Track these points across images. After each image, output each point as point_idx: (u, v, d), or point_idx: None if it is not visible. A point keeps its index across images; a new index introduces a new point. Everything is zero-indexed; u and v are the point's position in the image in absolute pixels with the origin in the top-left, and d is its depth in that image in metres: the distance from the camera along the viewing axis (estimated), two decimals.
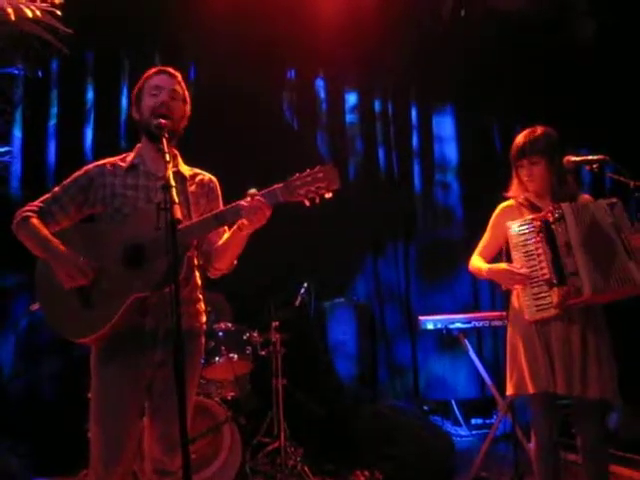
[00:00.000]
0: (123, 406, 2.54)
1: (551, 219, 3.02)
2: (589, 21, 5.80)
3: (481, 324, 4.56)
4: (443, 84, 6.68)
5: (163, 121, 2.50)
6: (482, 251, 3.37)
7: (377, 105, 6.82)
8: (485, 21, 5.95)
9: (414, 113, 6.93)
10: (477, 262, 3.33)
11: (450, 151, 6.99)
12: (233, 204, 2.44)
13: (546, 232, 3.02)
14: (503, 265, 3.16)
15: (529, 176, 3.19)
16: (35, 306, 2.78)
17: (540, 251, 3.04)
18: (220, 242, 2.66)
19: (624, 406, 5.02)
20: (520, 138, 3.24)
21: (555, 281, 2.99)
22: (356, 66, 6.54)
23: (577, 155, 3.18)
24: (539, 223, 3.06)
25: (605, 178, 5.66)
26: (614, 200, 3.09)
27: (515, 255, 3.12)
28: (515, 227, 3.12)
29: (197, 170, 2.83)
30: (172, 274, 2.09)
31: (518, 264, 3.10)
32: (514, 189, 3.31)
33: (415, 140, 6.91)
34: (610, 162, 3.14)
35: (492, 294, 6.58)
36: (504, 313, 3.74)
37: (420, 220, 6.82)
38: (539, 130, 3.21)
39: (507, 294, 3.32)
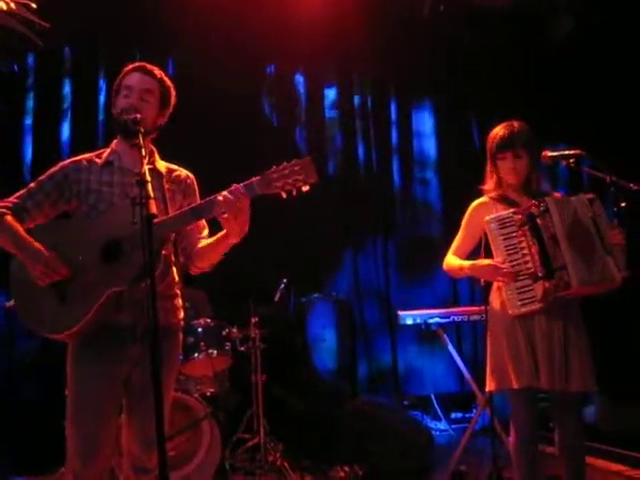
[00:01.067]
0: (100, 402, 2.53)
1: (536, 212, 3.01)
2: (567, 17, 5.83)
3: (460, 319, 4.58)
4: (422, 80, 6.70)
5: (139, 115, 2.48)
6: (457, 249, 3.32)
7: (357, 101, 6.82)
8: (465, 17, 5.98)
9: (393, 109, 6.93)
10: (454, 260, 3.28)
11: (429, 147, 7.00)
12: (210, 197, 2.44)
13: (531, 226, 3.01)
14: (487, 261, 3.13)
15: (512, 170, 3.16)
16: (9, 303, 2.76)
17: (524, 244, 3.03)
18: (204, 243, 2.65)
19: (602, 399, 5.08)
20: (500, 130, 3.22)
21: (541, 274, 2.99)
22: (336, 62, 6.54)
23: (554, 150, 3.20)
24: (521, 217, 3.04)
25: (582, 173, 5.70)
26: (592, 196, 3.10)
27: (496, 249, 3.09)
28: (495, 221, 3.09)
29: (173, 166, 2.81)
30: (148, 269, 2.07)
31: (499, 258, 3.07)
32: (490, 183, 3.27)
33: (394, 136, 6.91)
34: (587, 157, 3.16)
35: (471, 289, 6.59)
36: (483, 308, 3.73)
37: (399, 216, 6.83)
38: (517, 124, 3.20)
39: (486, 289, 3.32)
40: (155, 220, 2.18)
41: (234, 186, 2.38)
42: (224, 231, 2.49)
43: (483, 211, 3.21)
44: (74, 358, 2.57)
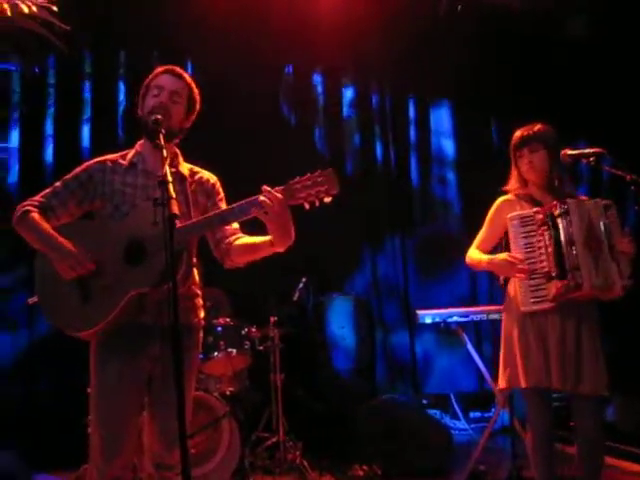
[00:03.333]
0: (123, 401, 2.55)
1: (556, 213, 3.04)
2: (583, 16, 5.80)
3: (479, 318, 4.57)
4: (441, 79, 6.67)
5: (159, 116, 2.50)
6: (480, 244, 3.37)
7: (375, 100, 6.81)
8: (482, 16, 5.95)
9: (412, 108, 6.93)
10: (475, 254, 3.33)
11: (448, 146, 6.98)
12: (240, 202, 2.43)
13: (550, 225, 3.04)
14: (503, 255, 3.17)
15: (529, 164, 3.20)
16: (33, 299, 2.79)
17: (541, 244, 3.07)
18: (245, 241, 2.65)
19: (621, 399, 5.05)
20: (519, 131, 3.28)
21: (555, 274, 3.01)
22: (354, 61, 6.53)
23: (574, 149, 3.20)
24: (542, 216, 3.08)
25: (602, 172, 5.66)
26: (609, 202, 3.12)
27: (515, 247, 3.13)
28: (517, 219, 3.13)
29: (196, 168, 2.83)
30: (170, 270, 2.09)
31: (517, 255, 3.11)
32: (513, 183, 3.32)
33: (413, 134, 6.90)
34: (607, 155, 3.16)
35: (490, 288, 6.57)
36: (502, 307, 3.76)
37: (418, 214, 6.82)
38: (538, 125, 3.25)
39: (506, 288, 3.34)
40: (181, 224, 2.22)
41: (264, 187, 2.37)
42: (270, 238, 2.49)
43: (507, 208, 3.25)
44: (97, 357, 2.60)
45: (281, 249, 2.51)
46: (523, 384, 3.05)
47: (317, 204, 2.31)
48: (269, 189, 2.34)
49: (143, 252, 2.46)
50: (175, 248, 2.13)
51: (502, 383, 3.19)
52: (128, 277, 2.46)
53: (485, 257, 3.27)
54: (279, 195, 2.32)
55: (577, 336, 3.04)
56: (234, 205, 2.46)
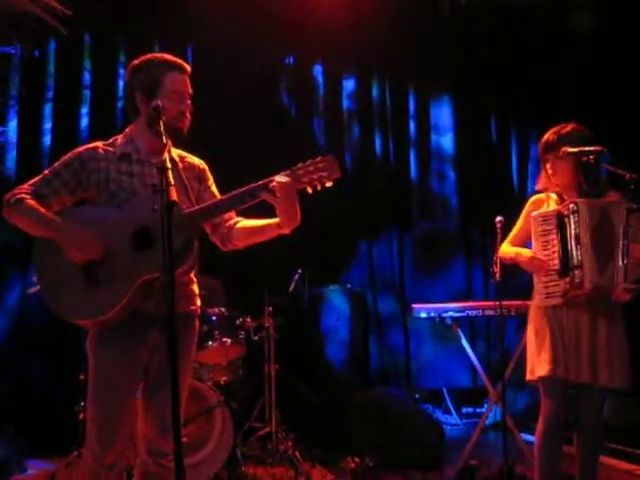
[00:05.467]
0: (120, 387, 2.55)
1: (565, 212, 3.14)
2: (588, 13, 5.78)
3: (474, 313, 4.57)
4: (441, 73, 6.67)
5: (159, 102, 2.47)
6: (512, 239, 3.49)
7: (375, 92, 6.80)
8: (485, 11, 5.94)
9: (412, 102, 6.92)
10: (507, 247, 3.47)
11: (447, 141, 6.98)
12: (249, 186, 2.49)
13: (558, 224, 3.15)
14: (529, 252, 3.29)
15: (553, 169, 3.27)
16: (34, 289, 2.76)
17: (555, 242, 3.17)
18: (247, 224, 2.70)
19: (612, 397, 5.06)
20: (549, 133, 3.31)
21: (561, 272, 3.14)
22: (354, 53, 6.51)
23: (573, 146, 3.20)
24: (553, 215, 3.19)
25: (601, 170, 5.66)
26: (634, 207, 3.14)
27: (535, 243, 3.27)
28: (538, 217, 3.25)
29: (184, 153, 2.81)
30: (169, 257, 2.08)
31: (537, 252, 3.24)
32: (542, 183, 3.40)
33: (412, 129, 6.90)
34: (606, 153, 3.17)
35: (485, 284, 6.60)
36: (497, 303, 3.85)
37: (415, 208, 6.83)
38: (569, 126, 3.28)
39: (506, 282, 3.58)
40: (192, 209, 2.33)
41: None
42: (276, 220, 2.56)
43: (537, 206, 3.37)
44: (96, 343, 2.58)
45: (287, 230, 2.58)
46: (537, 372, 3.16)
47: (319, 188, 2.43)
48: (279, 177, 2.45)
49: (150, 238, 2.45)
50: (187, 234, 2.20)
51: (528, 375, 3.28)
52: (137, 263, 2.45)
53: (514, 250, 3.40)
54: (289, 179, 2.42)
55: (591, 330, 3.12)
56: (243, 189, 2.50)
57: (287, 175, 2.44)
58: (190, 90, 2.70)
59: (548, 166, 3.30)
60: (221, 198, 2.58)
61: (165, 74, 2.62)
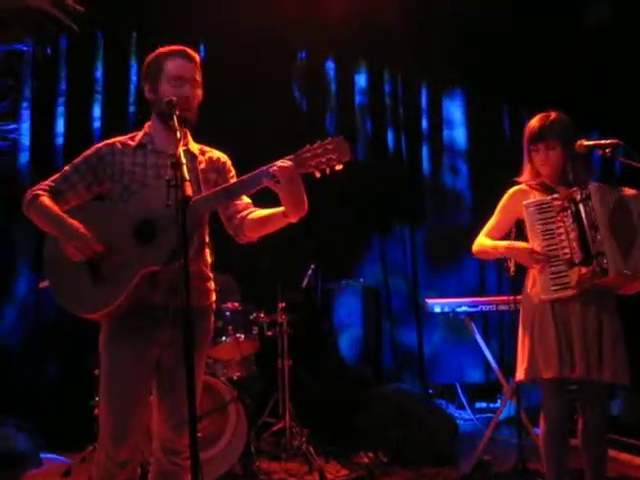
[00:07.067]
0: (133, 383, 2.55)
1: (578, 198, 3.01)
2: (603, 3, 5.74)
3: (488, 308, 4.56)
4: (453, 68, 6.63)
5: (174, 98, 2.46)
6: (490, 232, 3.31)
7: (387, 87, 6.78)
8: (497, 4, 5.90)
9: (424, 96, 6.90)
10: (487, 241, 3.28)
11: (459, 136, 6.95)
12: (250, 173, 2.41)
13: (572, 211, 3.01)
14: (524, 244, 3.13)
15: (544, 160, 3.16)
16: (44, 284, 2.78)
17: (561, 230, 3.03)
18: (259, 214, 2.61)
19: (627, 392, 5.04)
20: (534, 122, 3.20)
21: (578, 260, 2.98)
22: (366, 48, 6.50)
23: (589, 139, 3.16)
24: (561, 202, 3.04)
25: (615, 162, 5.62)
26: None
27: (532, 234, 3.09)
28: (533, 206, 3.09)
29: (206, 148, 2.80)
30: (183, 249, 2.08)
31: (535, 243, 3.08)
32: (526, 174, 3.27)
33: (425, 123, 6.88)
34: (622, 146, 3.12)
35: (499, 278, 6.57)
36: (511, 298, 3.75)
37: (428, 203, 6.81)
38: (553, 115, 3.17)
39: (515, 279, 3.31)
40: (194, 198, 2.17)
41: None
42: (282, 209, 2.47)
43: (521, 197, 3.21)
44: (108, 339, 2.59)
45: (294, 219, 2.47)
46: (544, 375, 3.01)
47: (328, 172, 2.29)
48: (281, 162, 2.34)
49: (153, 230, 2.44)
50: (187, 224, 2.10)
51: (520, 375, 3.13)
52: (138, 256, 2.44)
53: (502, 243, 3.23)
54: (289, 163, 2.32)
55: (598, 324, 3.01)
56: (244, 177, 2.45)
57: (290, 159, 2.33)
58: (196, 77, 2.64)
59: (537, 157, 3.17)
60: (222, 186, 2.51)
61: (166, 60, 2.62)
